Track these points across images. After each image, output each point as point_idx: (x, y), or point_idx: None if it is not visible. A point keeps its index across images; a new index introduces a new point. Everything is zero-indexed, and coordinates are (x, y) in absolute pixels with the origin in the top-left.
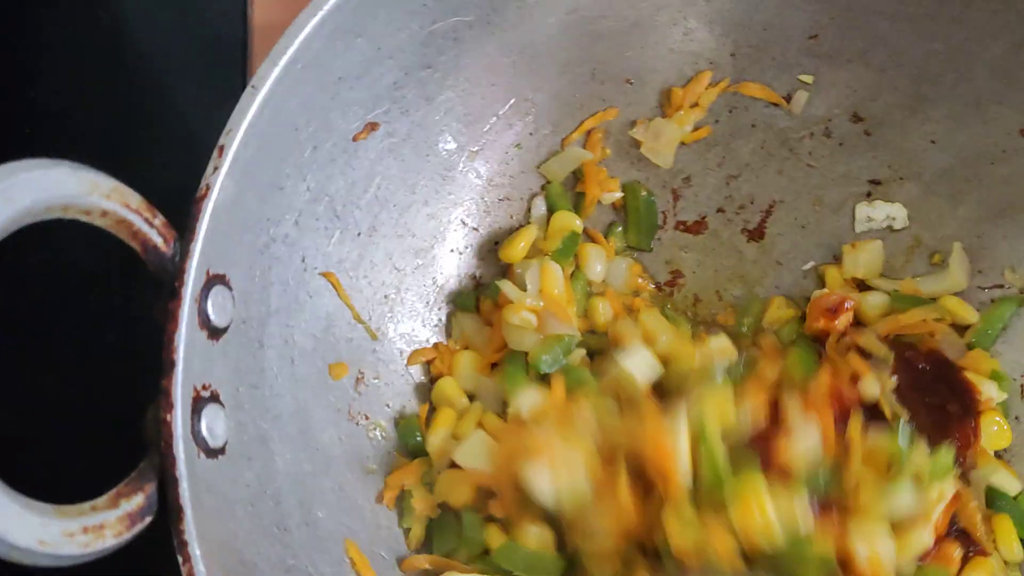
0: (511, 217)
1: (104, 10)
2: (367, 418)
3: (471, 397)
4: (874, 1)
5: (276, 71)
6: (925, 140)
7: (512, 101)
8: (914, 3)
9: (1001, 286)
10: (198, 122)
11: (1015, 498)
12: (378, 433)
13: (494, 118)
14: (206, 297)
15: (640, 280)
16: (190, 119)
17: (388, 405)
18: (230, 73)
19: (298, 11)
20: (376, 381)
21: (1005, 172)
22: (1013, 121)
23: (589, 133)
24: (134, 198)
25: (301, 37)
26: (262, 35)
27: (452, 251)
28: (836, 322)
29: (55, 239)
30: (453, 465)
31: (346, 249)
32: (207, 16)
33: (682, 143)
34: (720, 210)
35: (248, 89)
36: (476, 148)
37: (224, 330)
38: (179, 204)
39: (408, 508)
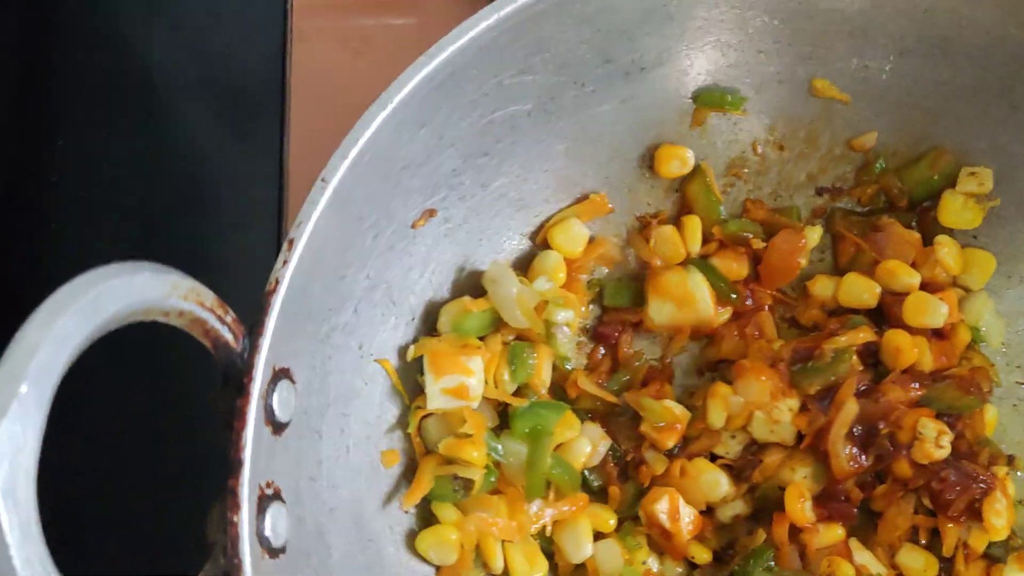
0: None
1: (133, 59)
2: (417, 507)
3: None
4: (924, 99)
5: (345, 164)
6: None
7: (561, 186)
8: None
9: None
10: (231, 181)
11: None
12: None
13: (545, 202)
14: (272, 392)
15: None
16: (224, 172)
17: None
18: (266, 122)
19: (338, 70)
20: None
21: None
22: None
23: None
24: (208, 296)
25: (371, 130)
26: (300, 83)
27: None
28: None
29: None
30: None
31: (400, 335)
32: (242, 69)
33: None
34: None
35: (318, 182)
36: (526, 232)
37: (287, 424)
38: (208, 264)
39: None
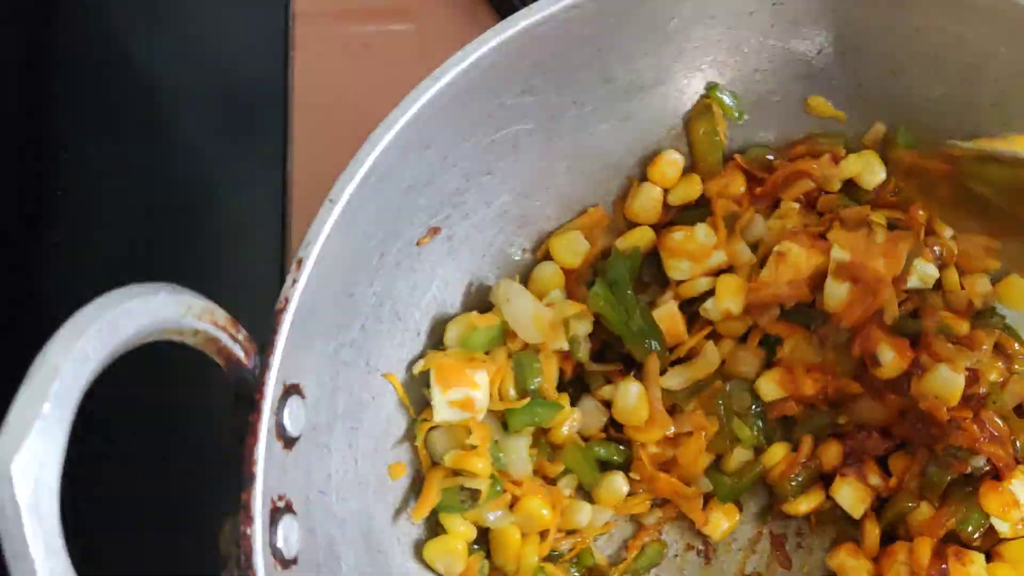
0: None
1: (136, 72)
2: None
3: None
4: (919, 115)
5: (352, 186)
6: None
7: (563, 203)
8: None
9: None
10: (233, 193)
11: None
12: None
13: (547, 219)
14: (283, 408)
15: None
16: (226, 187)
17: None
18: (269, 133)
19: (339, 79)
20: None
21: None
22: None
23: None
24: (221, 315)
25: (376, 152)
26: (302, 92)
27: None
28: None
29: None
30: None
31: (406, 350)
32: (244, 80)
33: None
34: None
35: (326, 203)
36: (529, 247)
37: (297, 439)
38: (211, 278)
39: None
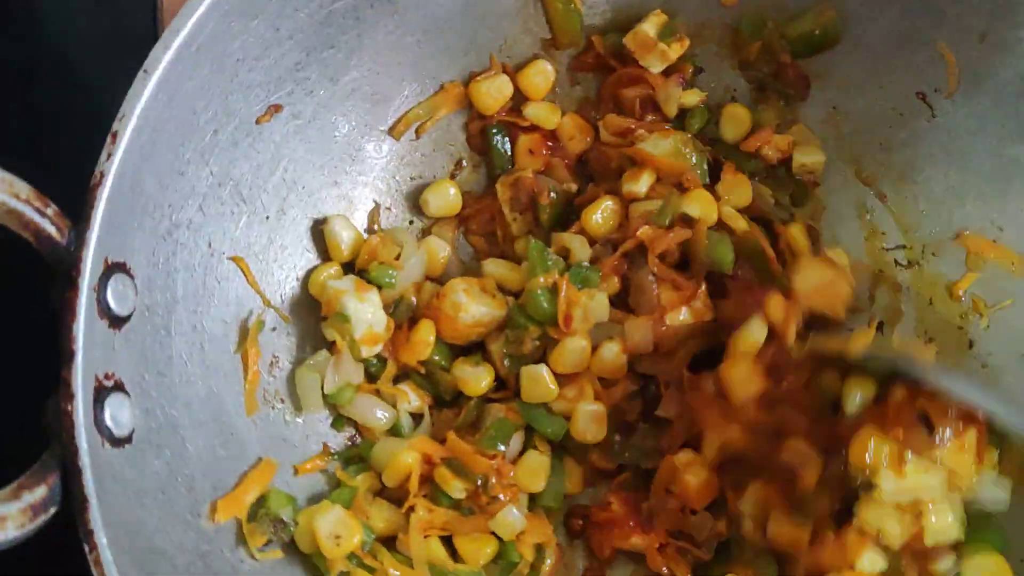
0: None
1: None
2: (283, 401)
3: None
4: None
5: (169, 54)
6: (827, 107)
7: (420, 80)
8: None
9: (903, 246)
10: (104, 107)
11: None
12: (297, 416)
13: (402, 97)
14: (105, 286)
15: None
16: (97, 105)
17: None
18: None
19: None
20: (291, 364)
21: (903, 135)
22: (908, 84)
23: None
24: (23, 188)
25: (194, 19)
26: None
27: (365, 231)
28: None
29: None
30: None
31: (255, 233)
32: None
33: None
34: None
35: (140, 74)
36: (385, 128)
37: (126, 319)
38: (79, 192)
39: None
